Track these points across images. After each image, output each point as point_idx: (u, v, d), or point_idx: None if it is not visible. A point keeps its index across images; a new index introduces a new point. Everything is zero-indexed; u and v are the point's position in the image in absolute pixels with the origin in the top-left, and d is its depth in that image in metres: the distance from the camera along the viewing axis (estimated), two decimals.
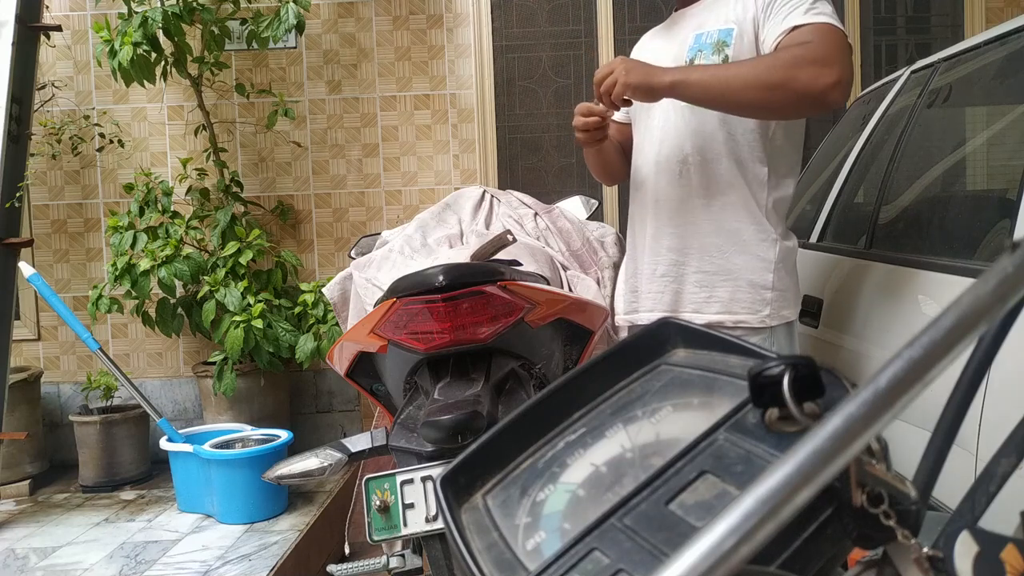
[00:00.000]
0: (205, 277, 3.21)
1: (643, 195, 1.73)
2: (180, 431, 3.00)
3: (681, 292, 1.66)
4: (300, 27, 3.17)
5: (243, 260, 3.19)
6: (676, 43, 1.67)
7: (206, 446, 2.79)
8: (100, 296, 3.18)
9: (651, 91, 1.46)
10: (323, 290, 2.17)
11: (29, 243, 3.28)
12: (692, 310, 1.65)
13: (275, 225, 3.66)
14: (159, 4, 3.13)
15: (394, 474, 1.41)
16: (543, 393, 0.71)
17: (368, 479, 1.42)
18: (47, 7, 3.39)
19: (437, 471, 1.39)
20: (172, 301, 3.32)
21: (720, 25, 1.59)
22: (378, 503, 1.39)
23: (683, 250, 1.65)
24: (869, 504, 0.51)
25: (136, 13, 3.08)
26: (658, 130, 1.67)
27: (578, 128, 1.64)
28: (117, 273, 3.14)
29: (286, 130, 3.63)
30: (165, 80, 3.32)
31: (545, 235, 2.13)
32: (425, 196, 3.65)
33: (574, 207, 2.41)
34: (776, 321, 1.61)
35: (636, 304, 1.75)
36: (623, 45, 3.60)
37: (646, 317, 1.72)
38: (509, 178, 3.70)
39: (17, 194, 3.00)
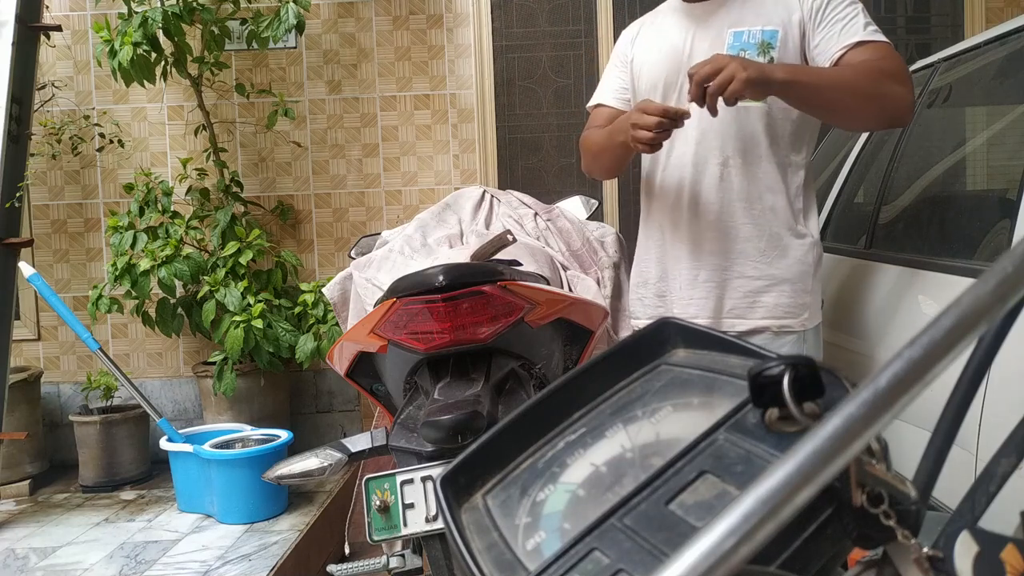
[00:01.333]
0: (205, 277, 3.21)
1: (675, 196, 1.67)
2: (180, 431, 3.00)
3: (724, 298, 1.63)
4: (300, 27, 3.17)
5: (243, 260, 3.19)
6: (707, 39, 1.60)
7: (206, 446, 2.79)
8: (100, 296, 3.18)
9: (766, 87, 1.40)
10: (323, 290, 2.17)
11: (29, 243, 3.28)
12: (736, 316, 1.63)
13: (275, 225, 3.66)
14: (159, 4, 3.13)
15: (394, 474, 1.41)
16: (543, 393, 0.71)
17: (368, 479, 1.42)
18: (47, 7, 3.39)
19: (437, 471, 1.38)
20: (172, 301, 3.32)
21: (762, 25, 1.56)
22: (378, 503, 1.39)
23: (726, 254, 1.62)
24: (869, 504, 0.51)
25: (136, 13, 3.08)
26: (693, 130, 1.60)
27: (654, 127, 1.43)
28: (117, 273, 3.14)
29: (286, 130, 3.63)
30: (165, 80, 3.32)
31: (545, 235, 2.13)
32: (425, 196, 3.65)
33: (574, 207, 2.41)
34: (812, 324, 1.62)
35: (663, 310, 1.72)
36: None
37: None
38: (509, 178, 3.70)
39: (17, 194, 2.99)
